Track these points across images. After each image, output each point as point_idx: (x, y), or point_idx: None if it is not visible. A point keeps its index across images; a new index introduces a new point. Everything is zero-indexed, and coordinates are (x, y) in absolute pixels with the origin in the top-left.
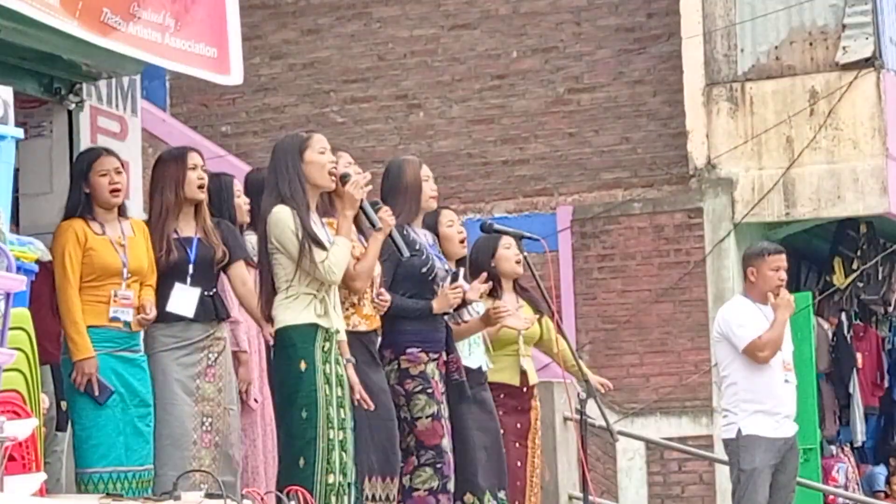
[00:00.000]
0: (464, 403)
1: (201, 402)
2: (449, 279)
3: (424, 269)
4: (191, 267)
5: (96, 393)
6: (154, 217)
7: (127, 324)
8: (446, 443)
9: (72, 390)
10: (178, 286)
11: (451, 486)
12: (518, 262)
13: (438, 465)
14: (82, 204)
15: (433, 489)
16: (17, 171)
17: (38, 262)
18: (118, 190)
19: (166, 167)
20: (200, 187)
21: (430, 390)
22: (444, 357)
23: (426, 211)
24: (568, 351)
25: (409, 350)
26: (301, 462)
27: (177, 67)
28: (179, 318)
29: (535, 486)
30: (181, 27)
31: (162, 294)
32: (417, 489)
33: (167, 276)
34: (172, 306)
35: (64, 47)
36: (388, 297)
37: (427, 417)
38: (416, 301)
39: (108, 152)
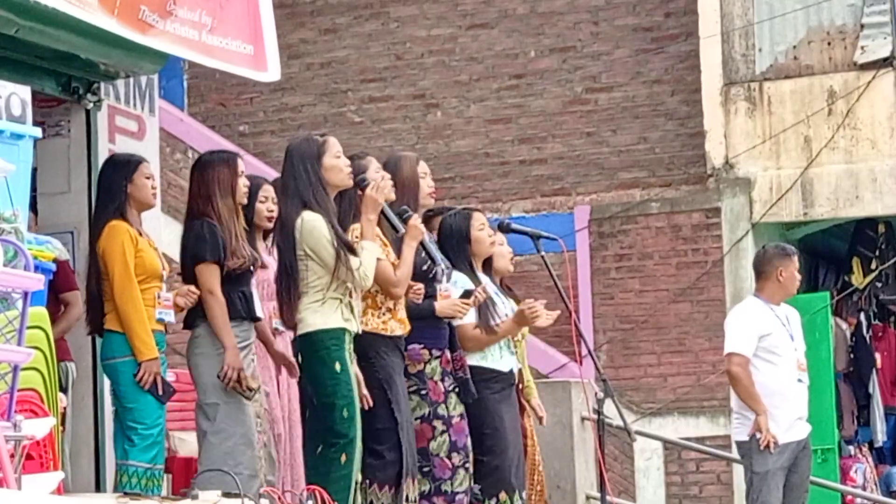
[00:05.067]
0: (500, 403)
1: (253, 403)
2: (462, 293)
3: (425, 267)
4: (252, 269)
5: (160, 392)
6: (225, 222)
7: (165, 326)
8: (436, 445)
9: (133, 393)
10: (254, 290)
11: (450, 487)
12: (511, 260)
13: (426, 469)
14: (126, 205)
15: (426, 493)
16: (35, 170)
17: (55, 261)
18: (155, 193)
19: (219, 172)
20: (245, 194)
21: (424, 391)
22: (448, 355)
23: (424, 208)
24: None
25: (410, 346)
26: (343, 459)
27: (215, 65)
28: (245, 318)
29: (539, 485)
30: (217, 25)
31: (226, 292)
32: None
33: (237, 278)
34: (260, 310)
35: (82, 46)
36: (421, 286)
37: (416, 419)
38: (419, 301)
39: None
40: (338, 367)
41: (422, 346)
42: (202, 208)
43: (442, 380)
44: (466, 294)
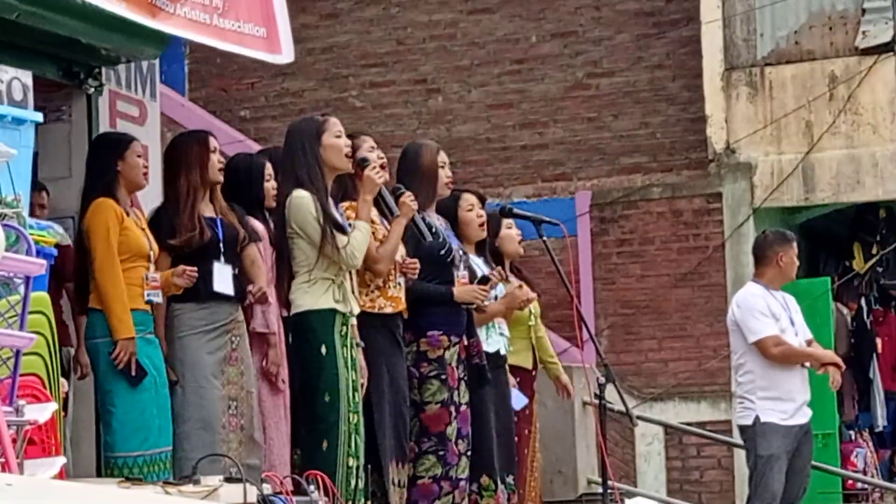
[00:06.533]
0: (483, 387)
1: (227, 386)
2: (479, 278)
3: (442, 252)
4: (221, 245)
5: (133, 373)
6: (181, 198)
7: (152, 307)
8: (451, 430)
9: (109, 375)
10: (216, 264)
11: (455, 473)
12: (520, 243)
13: (441, 453)
14: (115, 184)
15: (436, 476)
16: (36, 155)
17: (57, 245)
18: (147, 173)
19: (189, 149)
20: (220, 170)
21: (443, 376)
22: (465, 341)
23: (440, 197)
24: (548, 346)
25: (430, 333)
26: (324, 445)
27: (229, 48)
28: (209, 299)
29: (536, 471)
30: (229, 8)
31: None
32: (421, 477)
33: (198, 256)
34: (218, 286)
35: (83, 31)
36: (415, 261)
37: (436, 403)
38: (437, 286)
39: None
40: (323, 350)
41: (441, 332)
42: (167, 189)
43: (457, 367)
44: (484, 280)
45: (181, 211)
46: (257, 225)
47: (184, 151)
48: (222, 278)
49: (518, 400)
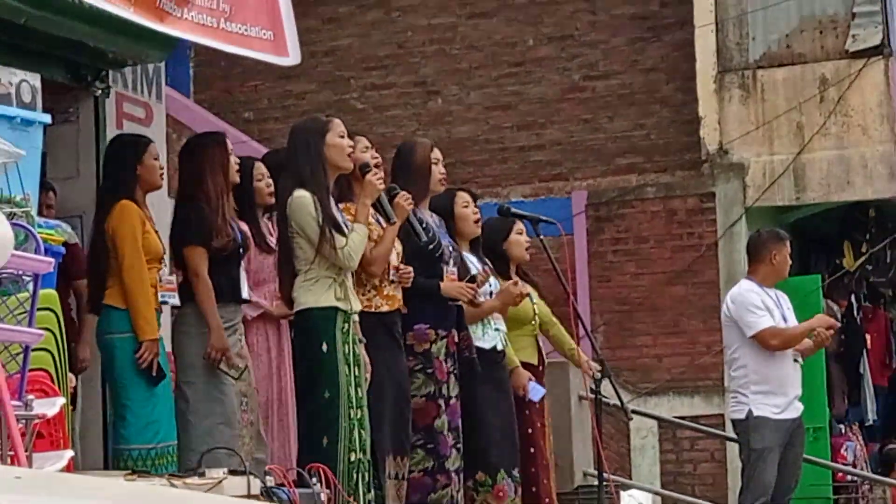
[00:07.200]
0: (476, 383)
1: (239, 382)
2: (468, 277)
3: (431, 247)
4: (241, 251)
5: (154, 374)
6: (212, 201)
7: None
8: (440, 423)
9: (129, 370)
10: (241, 272)
11: (450, 465)
12: (527, 248)
13: (430, 446)
14: (135, 186)
15: (428, 469)
16: (44, 155)
17: (65, 244)
18: (163, 174)
19: (212, 152)
20: (237, 171)
21: (429, 370)
22: (455, 335)
23: (434, 194)
24: (565, 335)
25: (416, 326)
26: (324, 441)
27: (237, 51)
28: (231, 300)
29: (552, 463)
30: (236, 11)
31: (212, 275)
32: (412, 471)
33: (223, 260)
34: (245, 293)
35: (90, 35)
36: (409, 269)
37: (421, 397)
38: (425, 280)
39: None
40: (324, 347)
41: (428, 325)
42: (192, 190)
43: (446, 360)
44: (472, 279)
45: (215, 214)
46: (241, 225)
47: (207, 154)
48: (244, 284)
49: (536, 392)
